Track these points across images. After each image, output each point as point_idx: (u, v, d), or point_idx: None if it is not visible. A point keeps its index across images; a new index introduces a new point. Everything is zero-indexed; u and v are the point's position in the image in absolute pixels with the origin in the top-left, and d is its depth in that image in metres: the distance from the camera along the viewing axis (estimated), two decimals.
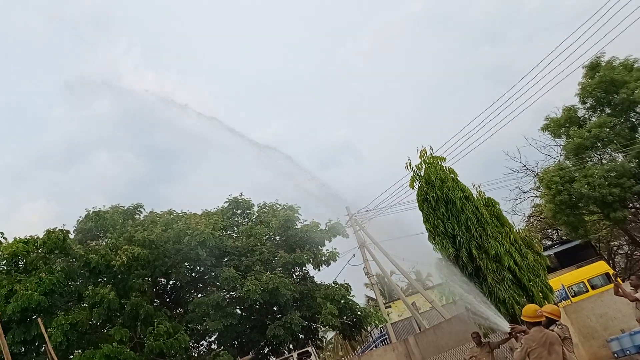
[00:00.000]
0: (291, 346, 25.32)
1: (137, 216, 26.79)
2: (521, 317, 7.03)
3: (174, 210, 26.63)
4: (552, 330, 7.13)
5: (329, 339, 40.17)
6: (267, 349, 26.24)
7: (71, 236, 23.44)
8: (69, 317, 20.34)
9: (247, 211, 27.96)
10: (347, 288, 25.94)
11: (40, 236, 22.22)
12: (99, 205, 26.34)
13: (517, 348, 7.06)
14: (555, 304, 14.45)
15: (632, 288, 10.30)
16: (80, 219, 25.23)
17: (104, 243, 23.58)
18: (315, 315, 24.48)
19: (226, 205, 27.59)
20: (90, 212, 25.23)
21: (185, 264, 24.91)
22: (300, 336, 25.24)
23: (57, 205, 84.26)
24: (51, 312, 21.08)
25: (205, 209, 27.09)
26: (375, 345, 32.44)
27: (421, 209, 14.34)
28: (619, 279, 10.57)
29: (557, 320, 7.51)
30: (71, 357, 21.06)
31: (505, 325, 8.44)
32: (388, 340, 29.24)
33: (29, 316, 20.87)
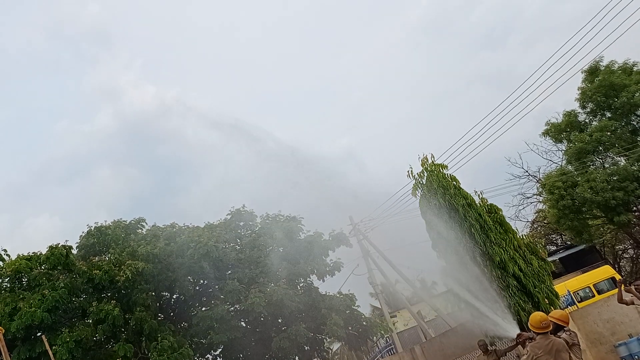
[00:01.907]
0: (297, 358, 25.18)
1: (140, 230, 26.75)
2: (528, 325, 6.95)
3: (177, 224, 26.61)
4: (560, 337, 7.04)
5: (334, 350, 39.91)
6: None
7: (74, 252, 23.41)
8: (73, 333, 20.24)
9: (250, 223, 27.89)
10: (351, 298, 25.83)
11: (43, 252, 22.22)
12: (101, 220, 26.35)
13: (523, 355, 6.98)
14: (562, 309, 14.37)
15: (628, 287, 10.23)
16: (83, 235, 25.21)
17: (107, 258, 23.54)
18: (321, 327, 24.35)
19: (229, 217, 27.55)
20: (92, 228, 25.20)
21: (189, 277, 24.84)
22: (306, 348, 25.09)
23: (60, 220, 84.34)
24: (55, 329, 21.00)
25: (208, 222, 27.08)
26: (382, 356, 32.21)
27: (424, 216, 14.35)
28: (623, 286, 10.45)
29: (565, 327, 7.42)
30: None
31: (513, 332, 8.36)
32: (394, 349, 29.03)
33: (33, 333, 20.81)
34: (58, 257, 21.72)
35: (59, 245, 22.19)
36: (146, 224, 27.12)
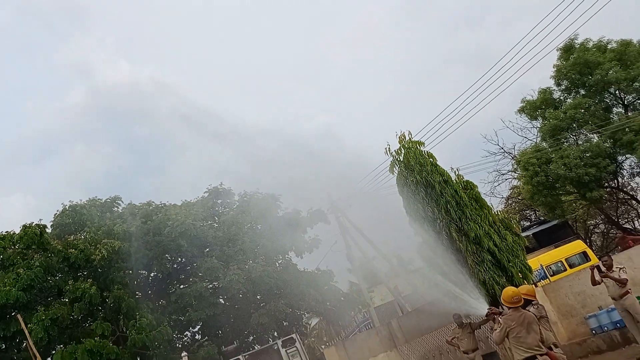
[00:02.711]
0: (275, 334, 25.42)
1: (116, 209, 26.47)
2: (500, 299, 7.15)
3: (153, 202, 26.41)
4: (529, 311, 7.26)
5: (313, 325, 40.38)
6: (251, 338, 26.30)
7: (48, 231, 23.08)
8: (49, 312, 20.05)
9: (228, 201, 27.81)
10: (330, 274, 26.07)
11: (17, 232, 21.84)
12: (75, 198, 25.99)
13: (496, 329, 7.16)
14: (534, 283, 14.70)
15: (604, 268, 10.58)
16: (57, 214, 24.85)
17: (83, 237, 23.26)
18: (299, 302, 24.57)
19: (206, 195, 27.40)
20: (67, 207, 24.85)
21: (167, 255, 24.76)
22: (285, 323, 25.34)
23: (33, 199, 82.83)
24: (31, 308, 20.78)
25: (185, 200, 26.91)
26: (359, 330, 32.72)
27: (401, 193, 14.45)
28: (596, 270, 10.84)
29: (533, 300, 7.65)
30: (53, 352, 20.83)
31: (483, 308, 8.54)
32: (372, 324, 29.47)
33: (8, 312, 20.56)
34: (32, 236, 21.38)
35: (33, 224, 21.84)
36: (122, 202, 26.89)
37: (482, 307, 8.66)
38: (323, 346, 24.74)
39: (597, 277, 10.77)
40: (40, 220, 22.37)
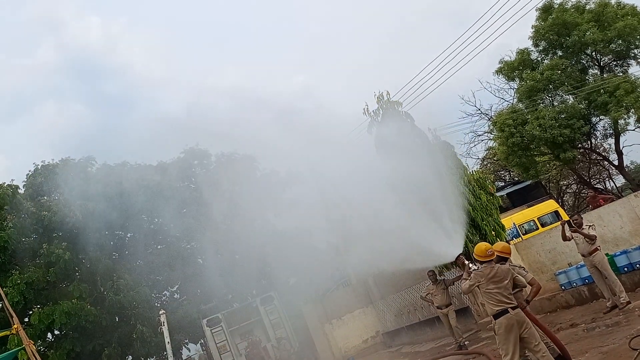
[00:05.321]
0: (254, 291, 25.71)
1: (90, 169, 26.00)
2: (473, 255, 7.22)
3: (128, 162, 25.99)
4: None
5: (291, 283, 40.92)
6: (230, 296, 26.57)
7: (21, 191, 22.65)
8: (24, 276, 19.87)
9: (205, 161, 27.55)
10: (309, 233, 26.22)
11: None
12: (48, 158, 25.42)
13: (465, 278, 7.28)
14: (507, 241, 15.05)
15: (574, 226, 10.84)
16: (30, 174, 24.35)
17: (57, 198, 22.88)
18: (278, 262, 24.78)
19: (182, 155, 27.08)
20: (39, 166, 24.34)
21: (143, 216, 24.58)
22: (263, 282, 25.62)
23: (4, 159, 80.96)
24: (5, 270, 20.57)
25: (161, 160, 26.56)
26: (336, 288, 33.19)
27: (379, 154, 14.50)
28: (567, 226, 11.09)
29: (508, 258, 7.66)
30: (30, 313, 20.78)
31: (452, 255, 8.61)
32: (349, 282, 29.93)
33: None
34: (4, 196, 21.00)
35: (5, 185, 21.40)
36: (96, 162, 26.35)
37: (455, 251, 8.80)
38: (302, 303, 25.12)
39: (568, 233, 11.04)
40: (12, 180, 21.97)
